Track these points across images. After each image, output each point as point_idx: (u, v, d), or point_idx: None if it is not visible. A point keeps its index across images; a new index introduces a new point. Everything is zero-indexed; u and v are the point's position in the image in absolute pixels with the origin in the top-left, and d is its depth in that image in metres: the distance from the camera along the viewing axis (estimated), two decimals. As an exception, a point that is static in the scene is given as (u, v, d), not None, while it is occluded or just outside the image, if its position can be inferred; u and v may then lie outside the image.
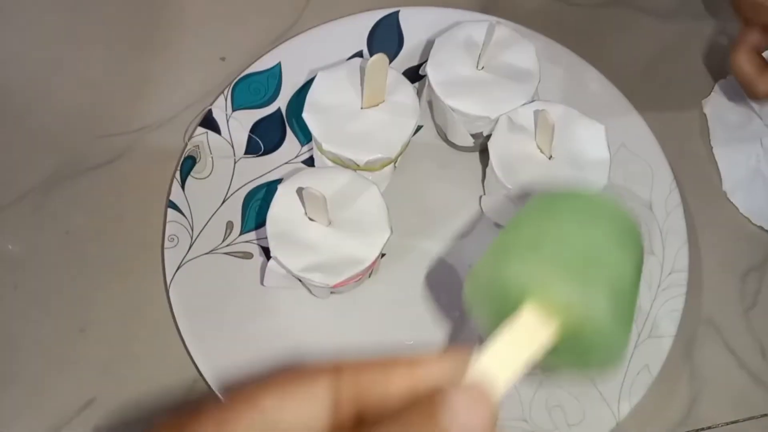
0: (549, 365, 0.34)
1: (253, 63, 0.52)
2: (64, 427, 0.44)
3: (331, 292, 0.46)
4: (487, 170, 0.47)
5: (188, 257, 0.47)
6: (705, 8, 0.59)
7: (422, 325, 0.47)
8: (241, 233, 0.48)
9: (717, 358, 0.48)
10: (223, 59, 0.54)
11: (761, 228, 0.52)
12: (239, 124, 0.51)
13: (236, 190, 0.49)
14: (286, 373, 0.23)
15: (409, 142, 0.47)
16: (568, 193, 0.36)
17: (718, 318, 0.49)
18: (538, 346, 0.28)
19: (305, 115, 0.45)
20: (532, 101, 0.47)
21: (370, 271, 0.45)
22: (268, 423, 0.22)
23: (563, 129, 0.45)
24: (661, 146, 0.51)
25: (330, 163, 0.46)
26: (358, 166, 0.45)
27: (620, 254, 0.32)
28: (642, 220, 0.50)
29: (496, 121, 0.46)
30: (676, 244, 0.49)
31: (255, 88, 0.52)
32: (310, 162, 0.50)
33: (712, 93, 0.56)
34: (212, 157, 0.50)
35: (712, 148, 0.54)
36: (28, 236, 0.48)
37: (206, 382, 0.44)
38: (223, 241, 0.48)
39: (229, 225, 0.48)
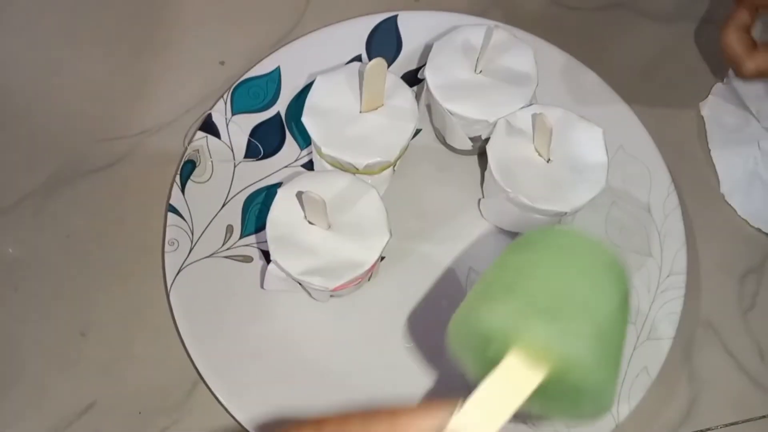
0: (542, 412, 0.34)
1: (252, 67, 0.52)
2: (65, 430, 0.44)
3: (331, 296, 0.46)
4: (486, 173, 0.47)
5: (188, 261, 0.47)
6: (702, 11, 0.59)
7: (422, 328, 0.47)
8: (241, 237, 0.48)
9: (715, 360, 0.48)
10: (222, 63, 0.54)
11: (759, 230, 0.52)
12: (239, 128, 0.51)
13: (236, 194, 0.49)
14: None
15: (408, 145, 0.47)
16: (547, 234, 0.35)
17: (717, 320, 0.49)
18: (522, 394, 0.28)
19: (304, 119, 0.45)
20: (530, 104, 0.47)
21: (369, 274, 0.45)
22: None
23: (561, 132, 0.45)
24: (659, 149, 0.52)
25: (329, 167, 0.47)
26: (357, 169, 0.45)
27: (600, 292, 0.31)
28: (640, 223, 0.50)
29: (495, 124, 0.46)
30: (674, 247, 0.49)
31: (254, 92, 0.52)
32: (309, 166, 0.51)
33: (709, 96, 0.56)
34: (212, 161, 0.50)
35: (709, 150, 0.54)
36: (28, 239, 0.49)
37: (207, 385, 0.44)
38: (223, 244, 0.48)
39: (229, 229, 0.48)
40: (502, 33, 0.48)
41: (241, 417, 0.44)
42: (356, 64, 0.48)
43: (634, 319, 0.47)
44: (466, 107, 0.47)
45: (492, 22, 0.52)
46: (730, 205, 0.53)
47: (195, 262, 0.47)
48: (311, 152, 0.49)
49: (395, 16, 0.55)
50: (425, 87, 0.48)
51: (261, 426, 0.43)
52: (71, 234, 0.49)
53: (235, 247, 0.48)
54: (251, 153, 0.51)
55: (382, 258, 0.47)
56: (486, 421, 0.26)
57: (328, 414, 0.24)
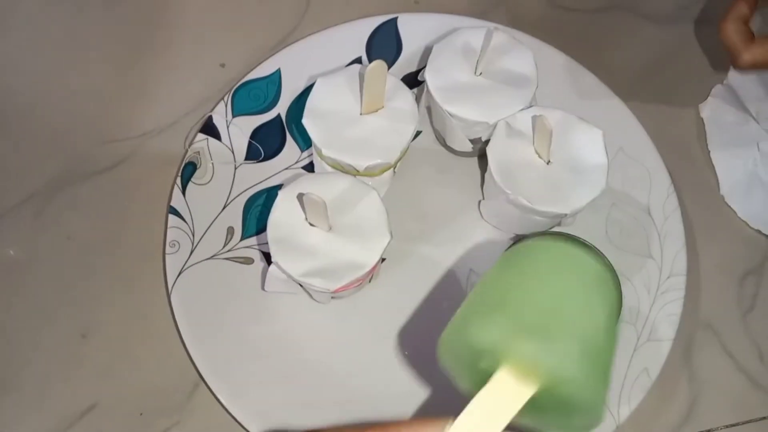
0: (534, 425, 0.34)
1: (252, 69, 0.53)
2: (66, 431, 0.44)
3: (332, 297, 0.46)
4: (486, 175, 0.47)
5: (189, 263, 0.47)
6: (702, 13, 0.59)
7: (422, 329, 0.47)
8: (242, 239, 0.48)
9: (715, 362, 0.49)
10: (223, 65, 0.55)
11: (759, 231, 0.52)
12: (239, 130, 0.51)
13: (237, 196, 0.49)
14: None
15: (408, 147, 0.47)
16: (535, 247, 0.35)
17: (717, 321, 0.49)
18: (512, 409, 0.28)
19: (305, 121, 0.45)
20: (530, 106, 0.47)
21: (370, 276, 0.45)
22: None
23: (561, 134, 0.46)
24: (659, 150, 0.52)
25: (330, 169, 0.47)
26: (357, 171, 0.45)
27: (587, 306, 0.31)
28: (640, 224, 0.50)
29: (495, 126, 0.47)
30: (674, 248, 0.49)
31: (255, 95, 0.52)
32: (310, 168, 0.51)
33: (709, 97, 0.56)
34: (213, 163, 0.50)
35: (709, 152, 0.54)
36: (29, 241, 0.49)
37: (208, 386, 0.44)
38: (224, 246, 0.48)
39: (230, 230, 0.48)
40: (501, 35, 0.48)
41: (242, 418, 0.44)
42: (356, 66, 0.48)
43: (634, 321, 0.47)
44: (466, 109, 0.47)
45: (492, 24, 0.53)
46: (729, 206, 0.53)
47: (196, 263, 0.47)
48: (312, 154, 0.49)
49: (395, 18, 0.55)
50: (425, 89, 0.49)
51: (262, 427, 0.43)
52: (72, 236, 0.49)
53: (235, 249, 0.48)
54: (252, 155, 0.51)
55: (383, 259, 0.47)
56: None
57: (321, 429, 0.24)
